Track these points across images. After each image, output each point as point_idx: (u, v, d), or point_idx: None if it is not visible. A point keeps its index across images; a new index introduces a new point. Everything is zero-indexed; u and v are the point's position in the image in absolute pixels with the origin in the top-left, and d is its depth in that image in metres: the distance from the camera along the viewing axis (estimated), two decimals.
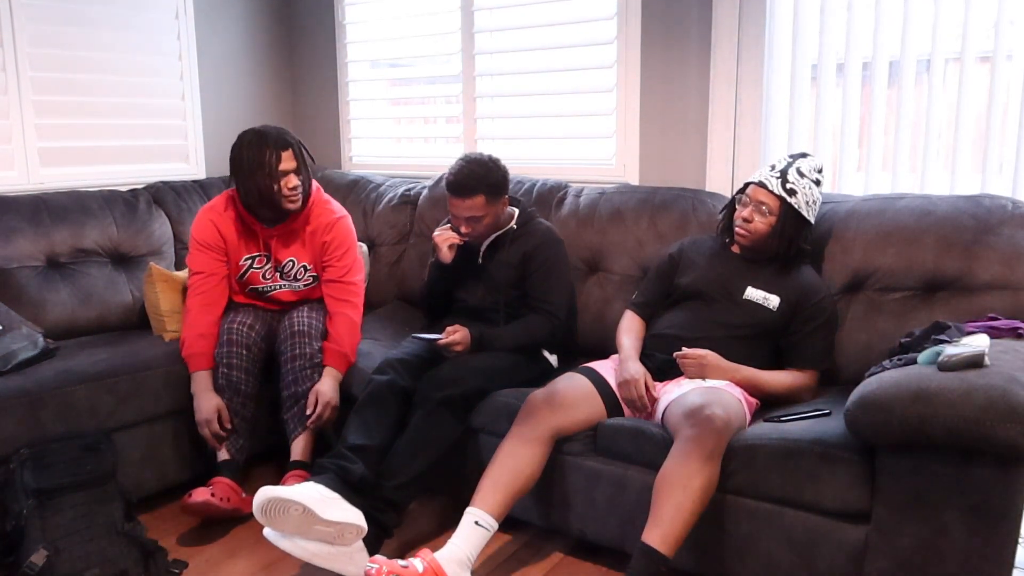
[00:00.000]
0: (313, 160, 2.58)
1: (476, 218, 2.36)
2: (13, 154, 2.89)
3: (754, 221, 2.17)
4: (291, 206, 2.46)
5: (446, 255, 2.44)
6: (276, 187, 2.40)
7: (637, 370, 2.13)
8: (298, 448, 2.41)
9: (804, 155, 2.23)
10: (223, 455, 2.38)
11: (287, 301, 2.66)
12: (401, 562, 1.84)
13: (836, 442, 1.76)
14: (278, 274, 2.59)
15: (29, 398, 2.15)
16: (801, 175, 2.17)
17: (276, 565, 2.17)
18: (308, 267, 2.60)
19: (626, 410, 2.15)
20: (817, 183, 2.20)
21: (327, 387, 2.41)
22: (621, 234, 2.65)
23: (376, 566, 1.82)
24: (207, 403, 2.36)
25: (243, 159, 2.39)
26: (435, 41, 3.38)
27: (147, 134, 3.27)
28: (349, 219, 2.63)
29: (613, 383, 2.16)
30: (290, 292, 2.63)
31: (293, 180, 2.41)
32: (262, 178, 2.39)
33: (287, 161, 2.40)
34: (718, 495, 1.86)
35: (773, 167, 2.20)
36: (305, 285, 2.63)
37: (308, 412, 2.39)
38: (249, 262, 2.56)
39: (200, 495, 2.22)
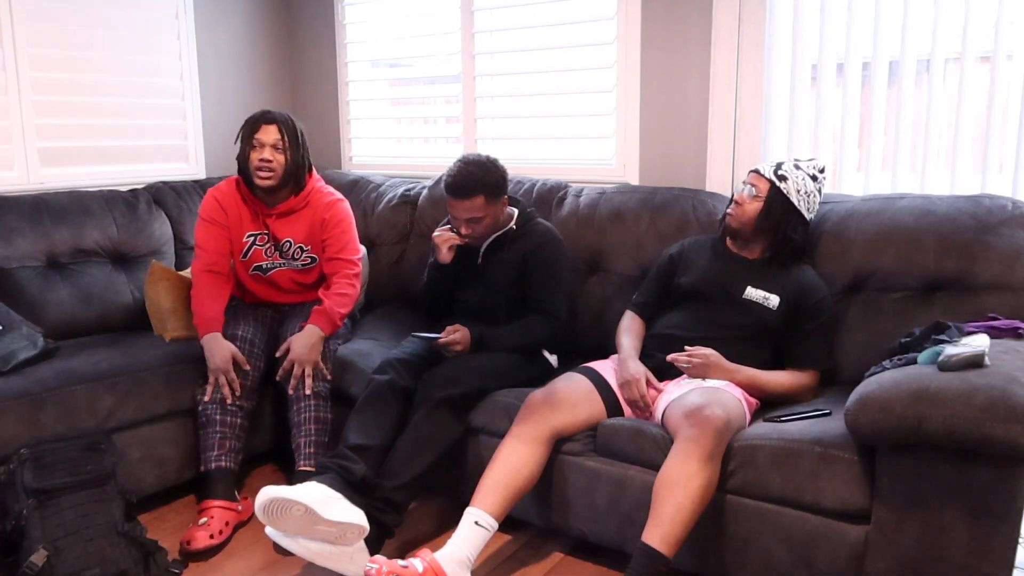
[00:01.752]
0: (303, 141, 2.58)
1: (476, 219, 2.36)
2: (13, 154, 2.89)
3: (743, 203, 2.20)
4: (260, 180, 2.50)
5: (445, 256, 2.44)
6: (250, 157, 2.49)
7: (637, 369, 2.13)
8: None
9: (811, 159, 2.27)
10: (217, 463, 2.34)
11: (288, 290, 2.68)
12: (401, 562, 1.84)
13: (836, 442, 1.76)
14: (278, 253, 2.63)
15: (29, 398, 2.15)
16: (797, 168, 2.22)
17: (276, 565, 2.17)
18: (305, 247, 2.63)
19: (627, 410, 2.15)
20: (814, 179, 2.22)
21: (299, 343, 2.41)
22: (621, 234, 2.65)
23: (376, 566, 1.82)
24: (221, 350, 2.40)
25: (241, 128, 2.54)
26: (435, 41, 3.38)
27: (147, 134, 3.27)
28: (347, 204, 2.69)
29: (613, 383, 2.16)
30: (290, 271, 2.66)
31: (265, 152, 2.47)
32: (243, 145, 2.51)
33: (265, 134, 2.48)
34: (718, 495, 1.86)
35: (773, 161, 2.25)
36: (303, 265, 2.66)
37: (277, 355, 2.44)
38: (252, 239, 2.61)
39: (200, 540, 2.18)
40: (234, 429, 2.39)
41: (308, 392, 2.40)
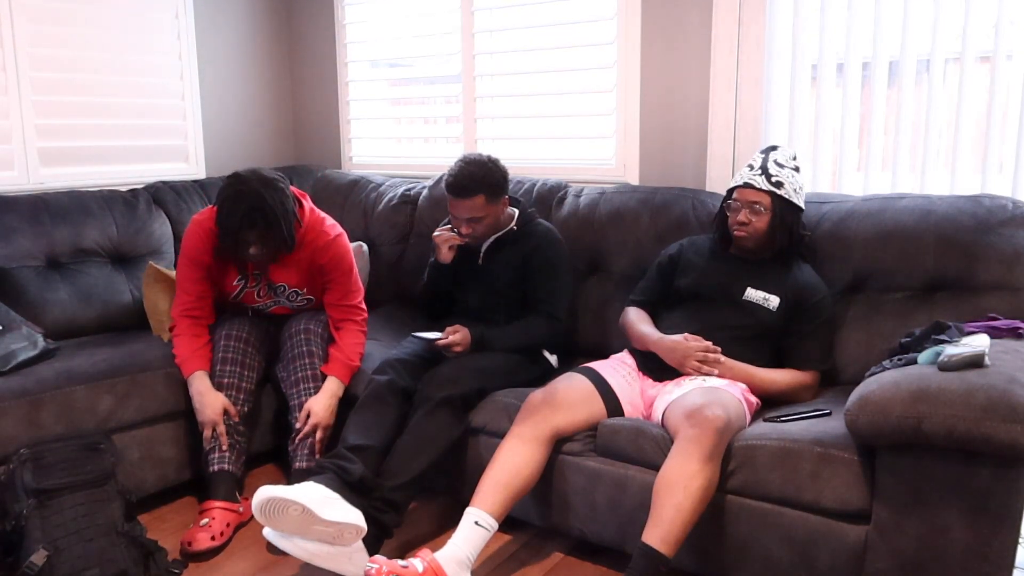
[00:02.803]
0: (285, 213, 2.31)
1: (476, 219, 2.36)
2: (13, 154, 2.89)
3: (751, 222, 2.17)
4: (255, 268, 2.42)
5: (446, 255, 2.44)
6: (240, 254, 2.32)
7: (676, 337, 2.13)
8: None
9: (774, 147, 2.24)
10: (218, 466, 2.33)
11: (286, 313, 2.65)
12: (401, 562, 1.84)
13: (836, 442, 1.76)
14: (272, 293, 2.54)
15: (29, 398, 2.15)
16: (780, 166, 2.19)
17: (276, 565, 2.17)
18: (301, 291, 2.55)
19: (627, 410, 2.14)
20: (796, 169, 2.22)
21: (320, 405, 2.36)
22: (621, 234, 2.65)
23: (376, 566, 1.82)
24: (212, 402, 2.33)
25: (218, 208, 2.28)
26: (435, 41, 3.38)
27: (147, 134, 3.27)
28: (344, 237, 2.52)
29: (613, 383, 2.16)
30: (287, 308, 2.62)
31: (252, 250, 2.29)
32: (225, 240, 2.30)
33: (250, 236, 2.27)
34: (718, 495, 1.86)
35: (751, 167, 2.21)
36: (298, 306, 2.60)
37: (297, 426, 2.35)
38: (242, 283, 2.49)
39: (201, 542, 2.16)
40: (233, 434, 2.38)
41: (318, 458, 2.30)
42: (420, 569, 1.82)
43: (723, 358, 2.10)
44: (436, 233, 2.47)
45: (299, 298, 2.56)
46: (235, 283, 2.50)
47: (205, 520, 2.23)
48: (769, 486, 1.81)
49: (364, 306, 2.56)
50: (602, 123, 3.01)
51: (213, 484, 2.32)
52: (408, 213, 3.16)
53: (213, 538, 2.19)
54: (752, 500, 1.85)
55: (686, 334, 2.13)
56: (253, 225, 2.24)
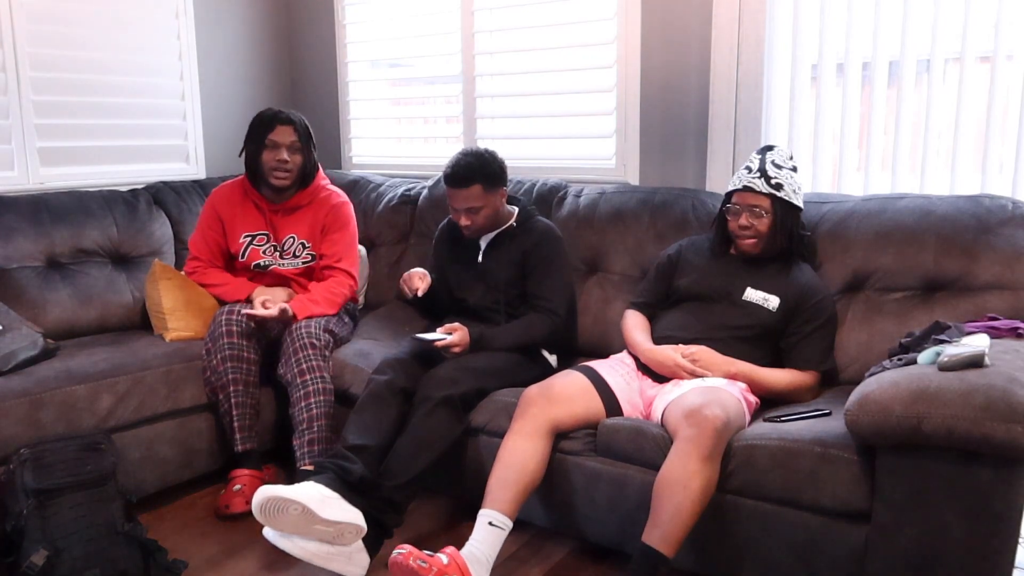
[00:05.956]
0: (314, 141, 2.67)
1: (474, 209, 2.37)
2: (13, 154, 2.89)
3: (753, 225, 2.17)
4: (275, 181, 2.55)
5: (408, 295, 2.48)
6: (264, 158, 2.54)
7: (665, 353, 2.13)
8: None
9: (770, 147, 2.23)
10: (242, 446, 2.42)
11: (288, 278, 2.72)
12: (427, 552, 1.85)
13: (836, 442, 1.76)
14: (278, 253, 2.67)
15: (29, 398, 2.15)
16: (779, 167, 2.18)
17: (276, 565, 2.17)
18: (307, 244, 2.68)
19: (625, 410, 2.14)
20: (794, 169, 2.21)
21: (281, 305, 2.47)
22: (621, 234, 2.65)
23: (405, 550, 1.83)
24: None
25: (250, 126, 2.57)
26: (435, 41, 3.38)
27: (147, 134, 3.27)
28: (351, 206, 2.75)
29: (611, 382, 2.16)
30: (291, 269, 2.70)
31: (282, 154, 2.51)
32: (255, 145, 2.54)
33: (282, 135, 2.53)
34: (718, 495, 1.86)
35: (749, 169, 2.20)
36: (304, 263, 2.69)
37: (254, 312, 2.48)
38: (249, 239, 2.65)
39: (238, 506, 2.29)
40: (247, 408, 2.45)
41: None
42: (445, 561, 1.83)
43: (719, 357, 2.10)
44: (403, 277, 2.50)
45: (304, 251, 2.68)
46: (241, 239, 2.64)
47: (238, 486, 2.35)
48: (769, 486, 1.81)
49: (349, 271, 2.69)
50: (602, 123, 3.01)
51: (241, 458, 2.42)
52: (408, 213, 3.15)
53: (248, 502, 2.24)
54: (752, 500, 1.84)
55: (679, 351, 2.13)
56: (289, 121, 2.54)
